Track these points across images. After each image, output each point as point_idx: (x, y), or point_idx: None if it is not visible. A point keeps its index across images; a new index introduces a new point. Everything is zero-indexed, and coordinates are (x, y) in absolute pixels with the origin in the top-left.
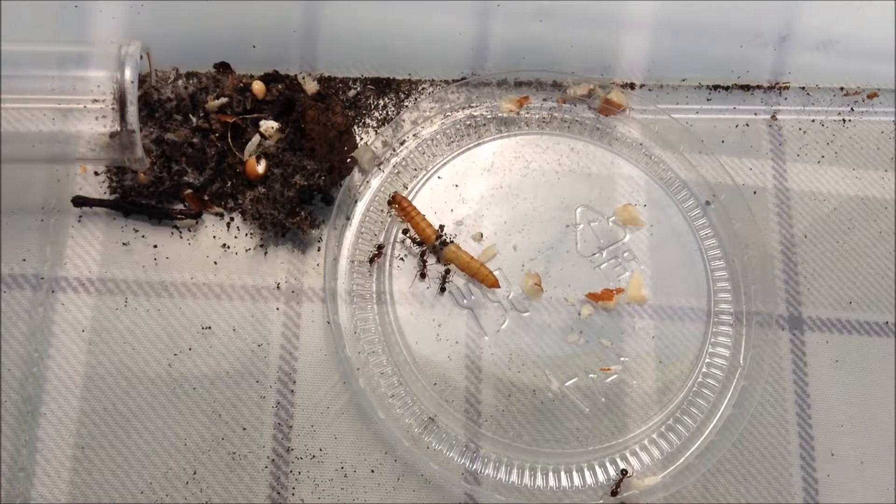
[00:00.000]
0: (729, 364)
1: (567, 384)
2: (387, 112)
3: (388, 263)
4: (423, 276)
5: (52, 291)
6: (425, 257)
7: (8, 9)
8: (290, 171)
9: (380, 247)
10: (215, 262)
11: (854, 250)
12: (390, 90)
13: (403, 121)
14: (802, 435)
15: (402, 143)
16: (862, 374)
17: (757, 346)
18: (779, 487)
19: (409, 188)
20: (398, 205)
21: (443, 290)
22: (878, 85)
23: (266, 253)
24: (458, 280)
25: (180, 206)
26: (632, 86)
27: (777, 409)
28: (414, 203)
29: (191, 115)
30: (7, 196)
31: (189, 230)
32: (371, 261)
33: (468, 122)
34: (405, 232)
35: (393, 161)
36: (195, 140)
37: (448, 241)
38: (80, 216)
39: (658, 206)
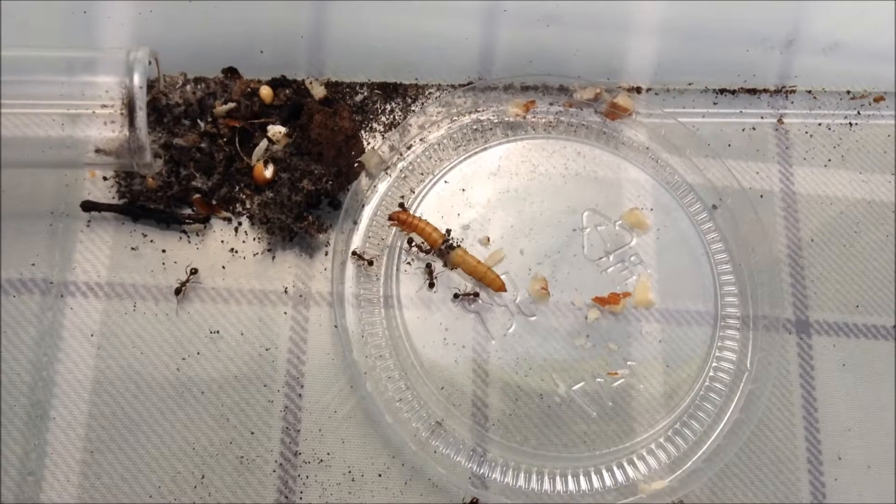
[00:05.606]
0: (736, 368)
1: (574, 388)
2: (394, 117)
3: (395, 268)
4: (431, 285)
5: (61, 296)
6: (432, 267)
7: (17, 14)
8: (297, 176)
9: (370, 261)
10: (223, 267)
11: (861, 254)
12: (397, 95)
13: (410, 125)
14: (809, 439)
15: (408, 148)
16: (869, 377)
17: (764, 350)
18: (786, 491)
19: (416, 192)
20: (398, 220)
21: (456, 296)
22: (885, 88)
23: (274, 257)
24: (464, 284)
25: (188, 211)
26: (638, 90)
27: (784, 412)
28: (421, 207)
29: (199, 120)
30: (16, 201)
31: (197, 235)
32: (370, 262)
33: (475, 127)
34: (409, 242)
35: (400, 165)
36: (203, 145)
37: (455, 245)
38: (89, 221)
39: (665, 209)
